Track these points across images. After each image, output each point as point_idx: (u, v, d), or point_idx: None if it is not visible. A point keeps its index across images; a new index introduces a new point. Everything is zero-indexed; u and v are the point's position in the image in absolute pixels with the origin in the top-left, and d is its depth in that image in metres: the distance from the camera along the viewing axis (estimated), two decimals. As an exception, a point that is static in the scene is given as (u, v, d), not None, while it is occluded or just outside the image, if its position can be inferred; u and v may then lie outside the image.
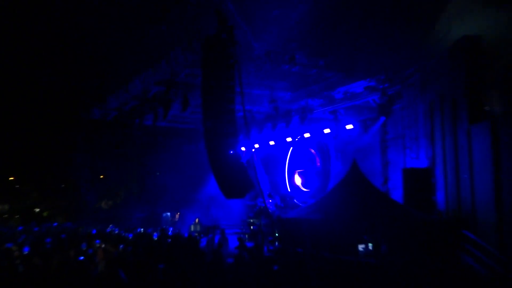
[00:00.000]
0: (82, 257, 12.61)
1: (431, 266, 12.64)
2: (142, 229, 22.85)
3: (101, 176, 36.47)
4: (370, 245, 14.58)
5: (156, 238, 19.11)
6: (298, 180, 29.05)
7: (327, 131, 23.47)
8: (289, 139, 26.34)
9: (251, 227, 23.44)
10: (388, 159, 20.87)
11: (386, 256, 13.90)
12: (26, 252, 13.36)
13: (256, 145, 28.51)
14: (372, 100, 21.12)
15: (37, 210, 34.92)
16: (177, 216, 32.94)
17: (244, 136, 25.03)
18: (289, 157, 29.57)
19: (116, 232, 21.36)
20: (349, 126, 22.15)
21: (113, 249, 14.30)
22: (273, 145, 27.84)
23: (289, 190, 29.12)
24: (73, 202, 34.49)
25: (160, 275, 10.60)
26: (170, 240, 18.22)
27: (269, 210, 23.25)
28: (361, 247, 14.76)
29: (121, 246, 14.52)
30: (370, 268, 13.06)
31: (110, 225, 25.88)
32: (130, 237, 18.14)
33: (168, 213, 32.13)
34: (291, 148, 29.19)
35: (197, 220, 27.66)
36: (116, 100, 24.56)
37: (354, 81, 20.31)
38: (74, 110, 28.33)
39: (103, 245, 16.03)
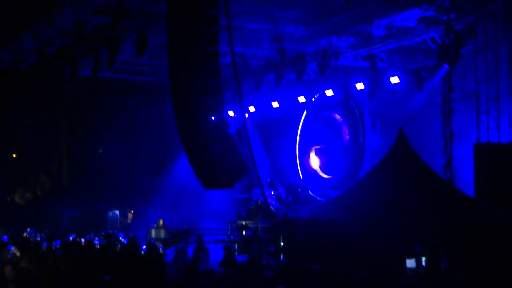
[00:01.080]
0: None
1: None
2: (75, 235, 22.95)
3: (14, 155, 36.52)
4: (423, 259, 14.70)
5: (98, 249, 19.19)
6: (315, 161, 29.14)
7: (360, 86, 23.42)
8: (301, 99, 26.29)
9: (243, 232, 23.61)
10: (452, 129, 20.90)
11: (448, 276, 14.02)
12: None
13: (251, 108, 28.45)
14: (429, 39, 21.03)
15: None
16: (130, 215, 33.11)
17: (232, 94, 25.07)
18: (302, 127, 29.59)
19: (38, 239, 21.49)
20: (394, 79, 22.16)
21: (32, 265, 14.37)
22: (277, 108, 27.80)
23: (300, 177, 29.25)
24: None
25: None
26: (118, 251, 18.32)
27: (271, 207, 23.38)
28: (410, 262, 14.86)
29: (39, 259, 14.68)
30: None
31: (28, 229, 25.99)
32: (58, 247, 18.24)
33: (117, 211, 32.28)
34: (305, 112, 29.20)
35: (160, 221, 27.81)
36: (34, 37, 24.34)
37: (403, 10, 20.17)
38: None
39: (17, 254, 16.19)
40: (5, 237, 21.07)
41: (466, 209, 15.67)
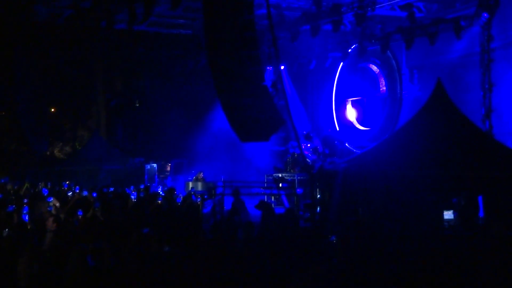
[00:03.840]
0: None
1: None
2: (113, 188, 23.25)
3: (52, 110, 37.02)
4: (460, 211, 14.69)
5: (135, 201, 19.49)
6: (351, 113, 29.04)
7: (397, 37, 23.16)
8: (338, 51, 26.12)
9: (280, 185, 23.76)
10: (492, 79, 20.63)
11: (485, 227, 13.99)
12: None
13: (287, 61, 28.33)
14: (468, -13, 20.74)
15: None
16: (168, 168, 33.42)
17: (267, 47, 24.95)
18: (338, 79, 29.42)
19: (76, 191, 21.82)
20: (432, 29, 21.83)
21: (72, 217, 14.68)
22: (313, 59, 27.64)
23: (337, 129, 29.19)
24: (11, 148, 35.15)
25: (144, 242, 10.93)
26: (156, 203, 18.54)
27: (307, 159, 23.43)
28: (447, 214, 14.86)
29: (79, 212, 14.92)
30: (462, 244, 13.17)
31: (67, 182, 26.39)
32: (96, 199, 18.52)
33: (154, 164, 32.58)
34: (341, 64, 28.98)
35: (200, 174, 28.06)
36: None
37: None
38: (9, 9, 28.30)
39: (57, 204, 16.56)
40: (45, 190, 21.46)
41: (505, 160, 15.54)
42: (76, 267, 9.43)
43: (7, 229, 11.88)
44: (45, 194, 19.47)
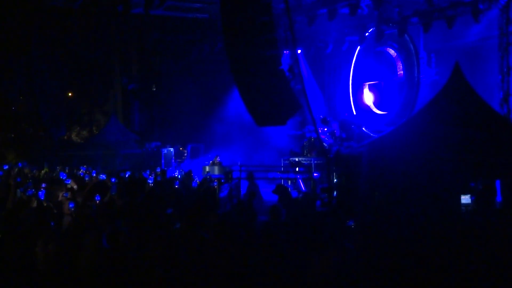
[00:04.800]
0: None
1: None
2: (130, 172, 23.37)
3: (69, 94, 37.24)
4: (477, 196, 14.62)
5: (151, 184, 19.59)
6: (368, 97, 28.95)
7: (414, 20, 23.03)
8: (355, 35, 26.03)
9: (297, 169, 23.76)
10: (510, 63, 20.51)
11: (503, 213, 13.93)
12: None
13: (304, 45, 28.26)
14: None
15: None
16: (184, 152, 33.54)
17: (284, 31, 24.88)
18: (355, 62, 29.32)
19: (93, 175, 21.95)
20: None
21: (89, 201, 14.80)
22: (330, 43, 27.55)
23: (354, 113, 29.13)
24: (29, 133, 35.42)
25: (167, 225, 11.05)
26: (172, 187, 18.62)
27: (324, 143, 23.41)
28: (464, 199, 14.81)
29: (97, 197, 15.02)
30: (479, 229, 13.13)
31: (84, 166, 26.55)
32: (113, 183, 18.63)
33: (171, 149, 32.70)
34: (358, 48, 28.86)
35: (216, 158, 28.13)
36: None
37: None
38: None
39: (75, 187, 16.72)
40: (63, 174, 21.62)
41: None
42: (92, 249, 9.59)
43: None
44: (63, 178, 19.66)
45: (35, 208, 13.20)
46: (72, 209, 13.31)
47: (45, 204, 13.77)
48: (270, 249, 10.92)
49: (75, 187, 17.03)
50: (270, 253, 10.75)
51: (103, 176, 19.82)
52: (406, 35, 25.34)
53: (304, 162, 24.56)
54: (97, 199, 14.80)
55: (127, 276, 9.58)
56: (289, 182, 23.70)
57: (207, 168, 27.04)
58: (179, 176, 21.98)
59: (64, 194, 14.99)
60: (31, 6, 27.76)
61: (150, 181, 20.06)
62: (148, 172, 23.28)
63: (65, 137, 36.23)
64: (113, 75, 36.05)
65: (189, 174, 21.60)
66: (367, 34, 25.91)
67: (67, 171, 23.88)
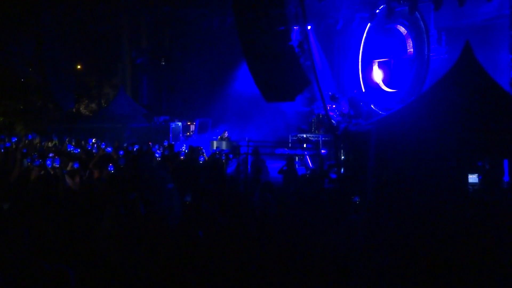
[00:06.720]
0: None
1: None
2: (138, 146, 23.45)
3: (78, 67, 37.27)
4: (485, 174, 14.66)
5: (159, 158, 19.67)
6: (377, 74, 28.87)
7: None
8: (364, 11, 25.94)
9: (305, 145, 23.80)
10: (521, 45, 20.51)
11: (510, 191, 13.98)
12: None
13: (314, 21, 28.18)
14: None
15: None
16: (192, 127, 33.59)
17: (294, 7, 24.79)
18: (365, 40, 29.22)
19: (102, 148, 22.04)
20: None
21: (98, 173, 14.89)
22: (340, 20, 27.46)
23: (363, 90, 29.09)
24: (37, 105, 35.55)
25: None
26: (180, 160, 18.71)
27: (332, 120, 23.43)
28: (472, 178, 14.83)
29: (110, 167, 15.11)
30: (486, 208, 13.19)
31: (93, 139, 26.64)
32: (121, 155, 18.71)
33: (179, 123, 32.75)
34: (368, 25, 28.75)
35: (225, 133, 28.16)
36: None
37: None
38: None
39: (83, 156, 16.88)
40: (71, 146, 21.74)
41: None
42: (111, 217, 9.79)
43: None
44: (71, 149, 19.80)
45: (42, 176, 13.36)
46: (78, 181, 13.45)
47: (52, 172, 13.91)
48: (276, 226, 11.04)
49: (83, 156, 17.14)
50: (278, 229, 10.88)
51: (110, 149, 19.90)
52: (416, 12, 25.25)
53: (312, 138, 24.60)
54: (110, 169, 14.91)
55: (145, 244, 9.76)
56: (297, 158, 23.75)
57: (215, 143, 27.07)
58: (185, 150, 22.02)
59: (74, 165, 15.09)
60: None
61: (157, 155, 20.15)
62: (156, 147, 23.34)
63: (74, 110, 36.32)
64: (122, 49, 36.06)
65: (196, 149, 21.61)
66: (377, 11, 25.83)
67: (74, 143, 23.97)
